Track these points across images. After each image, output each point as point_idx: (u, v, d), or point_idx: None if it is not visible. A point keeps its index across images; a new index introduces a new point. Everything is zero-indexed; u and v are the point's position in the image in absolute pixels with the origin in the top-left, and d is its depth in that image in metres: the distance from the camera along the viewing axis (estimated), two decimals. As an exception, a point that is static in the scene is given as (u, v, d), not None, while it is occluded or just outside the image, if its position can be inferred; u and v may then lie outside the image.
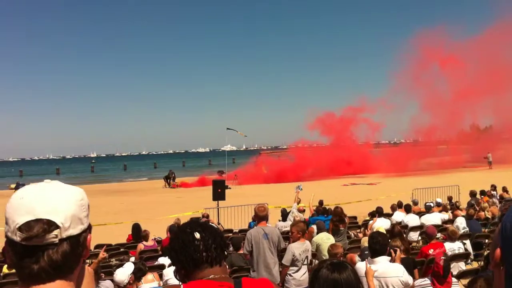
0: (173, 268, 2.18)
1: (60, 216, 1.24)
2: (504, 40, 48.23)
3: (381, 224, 11.05)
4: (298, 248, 7.35)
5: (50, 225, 1.22)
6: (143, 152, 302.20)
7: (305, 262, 7.36)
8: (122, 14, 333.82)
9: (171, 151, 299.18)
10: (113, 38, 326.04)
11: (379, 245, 5.42)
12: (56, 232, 1.22)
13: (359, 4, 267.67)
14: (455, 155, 49.71)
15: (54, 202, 1.26)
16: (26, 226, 1.20)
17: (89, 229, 1.37)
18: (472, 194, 16.08)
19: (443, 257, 6.13)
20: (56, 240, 1.23)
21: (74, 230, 1.28)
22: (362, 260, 6.39)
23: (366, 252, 6.80)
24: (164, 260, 8.87)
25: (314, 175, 45.26)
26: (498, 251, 1.09)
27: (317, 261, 8.69)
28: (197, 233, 2.09)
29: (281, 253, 7.69)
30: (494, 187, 17.66)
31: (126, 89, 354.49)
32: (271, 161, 54.08)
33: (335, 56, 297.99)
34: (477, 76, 50.09)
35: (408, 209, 13.51)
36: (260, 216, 7.57)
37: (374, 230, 9.08)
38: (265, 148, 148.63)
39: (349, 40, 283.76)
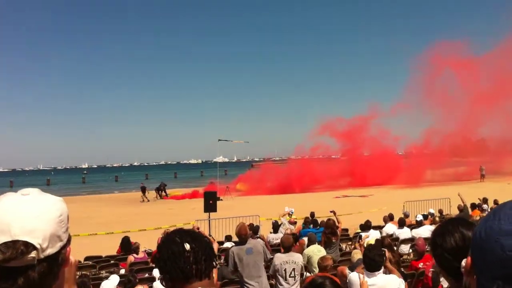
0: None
1: (38, 237, 1.20)
2: None
3: (371, 236, 11.06)
4: (281, 258, 7.28)
5: (28, 246, 1.18)
6: (135, 163, 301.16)
7: (292, 275, 7.25)
8: (115, 26, 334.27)
9: (163, 162, 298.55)
10: (105, 48, 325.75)
11: (377, 260, 5.42)
12: (33, 254, 1.19)
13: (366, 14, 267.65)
14: (470, 166, 48.50)
15: (32, 222, 1.21)
16: (3, 248, 1.16)
17: (68, 241, 1.33)
18: (460, 209, 15.78)
19: (432, 269, 6.14)
20: (34, 261, 1.19)
21: (53, 249, 1.24)
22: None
23: (360, 262, 6.79)
24: (157, 273, 8.80)
25: (327, 186, 45.21)
26: (468, 259, 1.12)
27: (308, 274, 8.66)
28: (187, 244, 2.05)
29: (268, 263, 7.65)
30: (485, 200, 17.69)
31: (118, 100, 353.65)
32: (277, 170, 52.81)
33: (332, 68, 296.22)
34: (491, 87, 50.07)
35: (402, 223, 13.49)
36: (241, 238, 7.39)
37: (366, 243, 9.10)
38: (257, 159, 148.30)
39: (351, 48, 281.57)
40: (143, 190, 42.85)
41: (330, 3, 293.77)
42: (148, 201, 41.63)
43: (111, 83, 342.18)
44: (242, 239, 7.29)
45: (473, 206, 16.51)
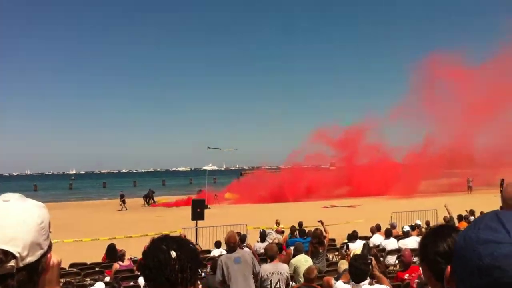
0: None
1: (18, 245, 1.19)
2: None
3: (358, 246, 11.07)
4: (267, 270, 7.28)
5: (7, 255, 1.16)
6: (123, 170, 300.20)
7: (278, 286, 7.23)
8: (101, 32, 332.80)
9: (151, 170, 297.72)
10: (93, 55, 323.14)
11: (363, 268, 5.43)
12: (12, 262, 1.17)
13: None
14: (464, 177, 47.93)
15: (12, 230, 1.19)
16: None
17: (49, 249, 1.31)
18: (446, 220, 15.84)
19: (417, 280, 6.16)
20: (13, 270, 1.17)
21: (33, 257, 1.22)
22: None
23: (346, 272, 6.79)
24: (142, 281, 8.74)
25: (321, 196, 45.21)
26: (448, 268, 1.14)
27: (294, 283, 8.65)
28: (173, 251, 2.01)
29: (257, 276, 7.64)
30: (472, 212, 17.81)
31: (106, 106, 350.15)
32: (268, 179, 51.87)
33: (328, 75, 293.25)
34: (486, 98, 50.44)
35: (388, 234, 13.53)
36: (230, 246, 7.40)
37: (352, 254, 9.12)
38: (247, 168, 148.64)
39: (348, 54, 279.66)
40: (122, 198, 41.60)
41: (329, 13, 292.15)
42: (126, 209, 40.19)
43: (101, 88, 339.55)
44: (230, 248, 7.29)
45: (460, 217, 16.54)
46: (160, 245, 2.05)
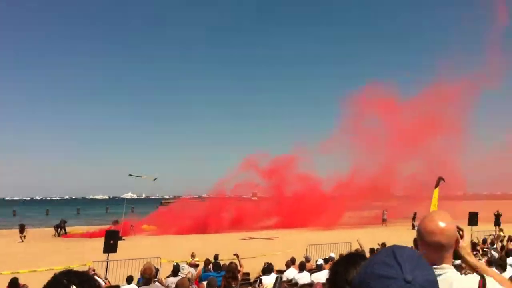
0: None
1: None
2: (440, 100, 52.41)
3: (272, 280, 11.09)
4: None
5: None
6: (36, 197, 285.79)
7: None
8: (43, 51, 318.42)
9: (66, 197, 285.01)
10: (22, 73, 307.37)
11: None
12: None
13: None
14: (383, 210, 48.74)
15: None
16: None
17: None
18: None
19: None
20: None
21: None
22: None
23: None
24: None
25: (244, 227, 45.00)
26: None
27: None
28: (74, 286, 1.96)
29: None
30: (383, 245, 18.42)
31: (16, 126, 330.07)
32: (191, 209, 50.49)
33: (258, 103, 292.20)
34: (411, 130, 53.03)
35: (302, 267, 13.69)
36: (145, 278, 7.28)
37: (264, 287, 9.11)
38: (167, 197, 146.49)
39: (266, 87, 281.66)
40: (22, 228, 37.95)
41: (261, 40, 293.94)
42: (24, 239, 37.04)
43: (12, 108, 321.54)
44: (146, 280, 7.27)
45: (372, 251, 17.07)
46: (62, 279, 2.00)
